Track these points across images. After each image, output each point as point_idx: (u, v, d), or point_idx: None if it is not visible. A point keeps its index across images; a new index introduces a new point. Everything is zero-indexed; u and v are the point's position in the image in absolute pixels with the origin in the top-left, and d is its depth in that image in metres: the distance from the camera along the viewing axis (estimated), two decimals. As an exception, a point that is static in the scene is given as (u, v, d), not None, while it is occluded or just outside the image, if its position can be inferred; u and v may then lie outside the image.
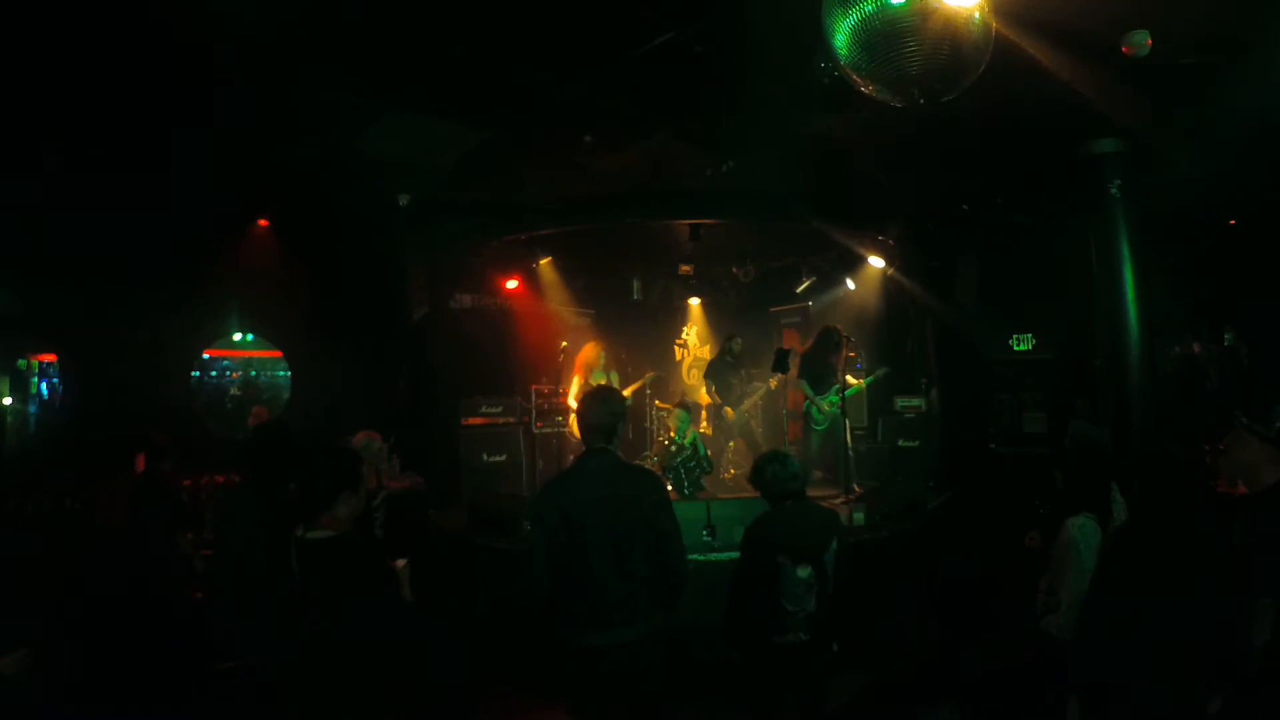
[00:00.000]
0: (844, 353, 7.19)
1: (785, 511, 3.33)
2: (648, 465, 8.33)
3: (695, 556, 4.83)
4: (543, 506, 2.92)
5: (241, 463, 4.03)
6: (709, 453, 7.26)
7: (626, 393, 8.18)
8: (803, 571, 3.19)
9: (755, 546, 3.28)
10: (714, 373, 8.43)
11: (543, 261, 8.38)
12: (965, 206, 7.06)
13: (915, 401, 7.87)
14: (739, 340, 8.52)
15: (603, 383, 7.96)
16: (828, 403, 7.33)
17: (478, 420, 7.47)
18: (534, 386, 8.01)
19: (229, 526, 3.64)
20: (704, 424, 8.68)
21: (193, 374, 7.00)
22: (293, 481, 3.11)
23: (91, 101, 4.31)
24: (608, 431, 3.01)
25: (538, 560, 2.85)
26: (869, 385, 7.81)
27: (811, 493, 6.64)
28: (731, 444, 8.58)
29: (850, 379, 7.11)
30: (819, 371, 7.39)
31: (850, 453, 7.01)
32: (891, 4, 2.62)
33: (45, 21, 3.51)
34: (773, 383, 8.46)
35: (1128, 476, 3.39)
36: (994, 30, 2.78)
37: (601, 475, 2.93)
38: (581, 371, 7.83)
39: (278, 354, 7.44)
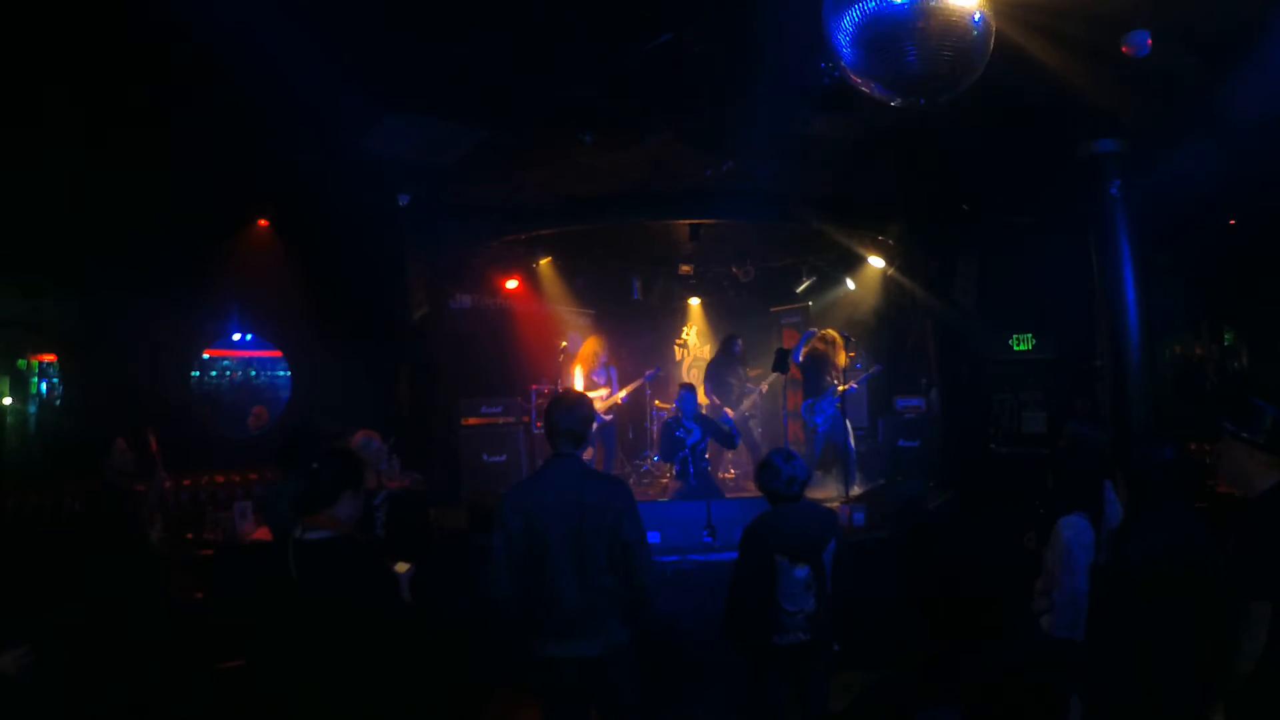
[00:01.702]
0: (843, 355, 7.21)
1: (783, 511, 3.33)
2: (648, 464, 8.35)
3: (695, 557, 4.84)
4: (505, 511, 2.86)
5: (276, 459, 4.34)
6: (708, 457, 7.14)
7: (624, 392, 8.19)
8: (801, 571, 3.19)
9: (753, 546, 3.28)
10: (713, 374, 8.44)
11: (543, 261, 8.40)
12: (965, 206, 7.06)
13: (915, 401, 7.88)
14: (740, 341, 8.53)
15: (604, 380, 7.97)
16: (827, 403, 7.34)
17: (478, 420, 7.47)
18: (534, 386, 8.01)
19: (272, 520, 3.77)
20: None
21: (193, 374, 6.99)
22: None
23: (91, 100, 4.31)
24: (576, 437, 2.97)
25: (497, 565, 2.81)
26: (864, 383, 7.86)
27: (811, 493, 6.61)
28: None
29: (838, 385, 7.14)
30: (817, 373, 7.40)
31: (852, 453, 7.01)
32: (892, 3, 2.62)
33: (46, 19, 3.51)
34: (764, 386, 8.47)
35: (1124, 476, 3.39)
36: (994, 30, 2.78)
37: (566, 481, 2.87)
38: (583, 364, 7.83)
39: (278, 354, 7.43)
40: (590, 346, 7.97)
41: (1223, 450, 2.59)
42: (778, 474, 3.33)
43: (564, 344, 8.40)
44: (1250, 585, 2.31)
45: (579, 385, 7.87)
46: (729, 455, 8.51)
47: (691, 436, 6.67)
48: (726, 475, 8.23)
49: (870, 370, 7.86)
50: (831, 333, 7.45)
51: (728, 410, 8.24)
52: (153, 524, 4.39)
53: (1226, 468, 2.61)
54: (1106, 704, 2.55)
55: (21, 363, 6.43)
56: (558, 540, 2.79)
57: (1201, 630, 2.38)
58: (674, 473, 6.90)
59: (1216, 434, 2.60)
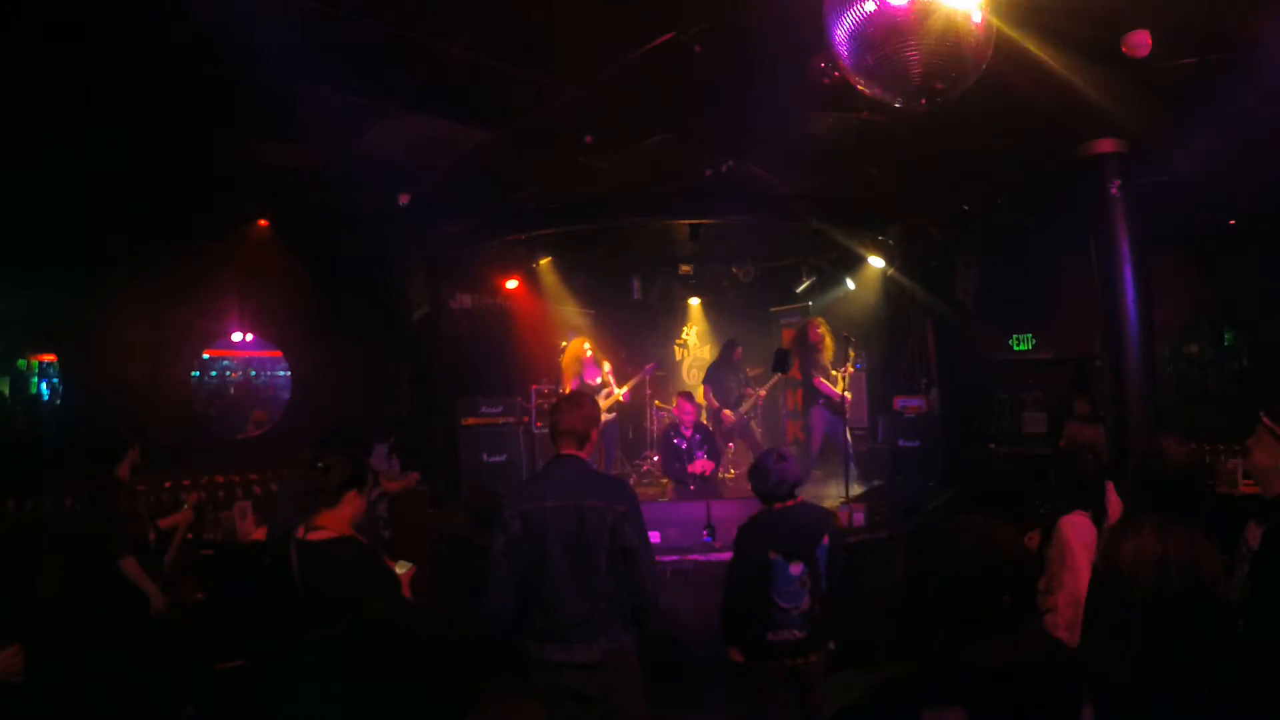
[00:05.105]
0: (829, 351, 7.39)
1: (777, 509, 3.35)
2: (648, 464, 8.35)
3: (695, 557, 4.85)
4: (506, 513, 2.82)
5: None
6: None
7: (625, 389, 8.19)
8: (795, 568, 3.20)
9: (748, 543, 3.30)
10: (712, 377, 8.49)
11: (543, 261, 8.39)
12: (965, 206, 7.05)
13: (915, 401, 7.89)
14: (739, 347, 8.60)
15: (598, 379, 7.96)
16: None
17: (477, 420, 7.47)
18: (534, 386, 8.02)
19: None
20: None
21: (193, 374, 6.99)
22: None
23: (90, 100, 4.31)
24: (579, 437, 2.91)
25: (498, 570, 2.78)
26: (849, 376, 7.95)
27: (811, 492, 6.62)
28: (731, 445, 8.60)
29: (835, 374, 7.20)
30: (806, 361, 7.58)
31: (850, 453, 7.02)
32: (892, 3, 2.62)
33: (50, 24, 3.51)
34: (762, 392, 8.49)
35: (1128, 476, 3.39)
36: (994, 30, 2.78)
37: (566, 483, 2.82)
38: (571, 367, 7.83)
39: (278, 354, 7.43)
40: (574, 348, 7.95)
41: (1256, 443, 2.55)
42: (767, 476, 3.34)
43: (564, 344, 8.39)
44: (1265, 588, 2.30)
45: (569, 388, 7.86)
46: (729, 455, 8.53)
47: (690, 443, 6.83)
48: (726, 475, 8.23)
49: (858, 363, 7.97)
50: (821, 322, 7.57)
51: (726, 412, 8.26)
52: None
53: (1253, 461, 2.58)
54: (1109, 706, 2.54)
55: (21, 363, 6.43)
56: (557, 545, 2.74)
57: (1201, 632, 2.37)
58: (673, 486, 6.96)
59: (1251, 426, 2.56)
